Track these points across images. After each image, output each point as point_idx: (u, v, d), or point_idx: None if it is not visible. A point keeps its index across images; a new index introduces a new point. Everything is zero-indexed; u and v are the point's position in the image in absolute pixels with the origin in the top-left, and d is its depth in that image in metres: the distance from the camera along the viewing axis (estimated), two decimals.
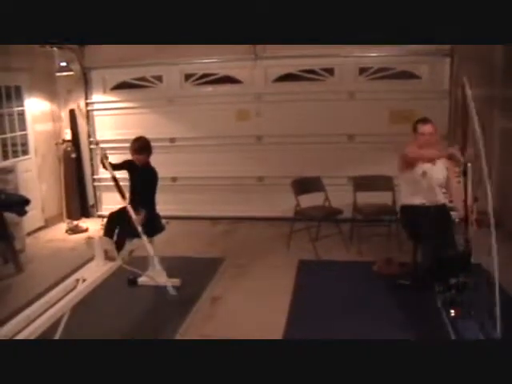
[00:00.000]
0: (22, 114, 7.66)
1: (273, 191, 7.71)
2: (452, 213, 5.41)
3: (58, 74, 7.81)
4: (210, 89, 8.01)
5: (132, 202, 4.97)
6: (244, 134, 7.87)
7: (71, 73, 7.80)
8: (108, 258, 4.59)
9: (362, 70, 7.56)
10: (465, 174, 4.46)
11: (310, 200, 6.57)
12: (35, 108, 7.85)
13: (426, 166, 4.83)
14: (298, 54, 7.31)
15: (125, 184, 5.12)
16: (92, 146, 8.42)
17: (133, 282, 5.41)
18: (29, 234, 7.22)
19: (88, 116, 8.36)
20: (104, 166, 5.03)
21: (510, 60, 6.71)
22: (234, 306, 4.96)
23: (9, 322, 3.33)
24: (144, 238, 4.90)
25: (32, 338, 3.21)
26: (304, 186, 6.62)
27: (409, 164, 4.82)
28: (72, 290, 3.98)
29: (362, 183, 6.63)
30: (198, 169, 8.06)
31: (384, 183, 6.51)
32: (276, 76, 7.78)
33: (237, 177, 7.96)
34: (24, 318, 3.40)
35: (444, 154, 4.67)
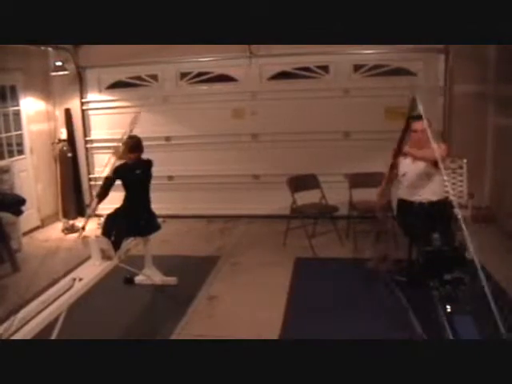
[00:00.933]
0: (17, 114, 7.65)
1: (269, 189, 7.71)
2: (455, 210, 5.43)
3: (53, 73, 7.82)
4: (205, 87, 8.01)
5: (131, 203, 4.99)
6: (239, 132, 7.87)
7: (66, 72, 7.80)
8: (105, 257, 4.59)
9: (357, 67, 7.57)
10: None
11: (306, 197, 6.58)
12: (30, 108, 7.84)
13: (406, 164, 4.83)
14: (292, 52, 7.31)
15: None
16: (88, 146, 8.41)
17: (129, 281, 5.43)
18: (25, 233, 7.22)
19: (83, 115, 8.34)
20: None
21: (504, 57, 6.73)
22: (230, 303, 4.97)
23: (6, 321, 3.33)
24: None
25: (28, 337, 3.22)
26: (300, 183, 6.63)
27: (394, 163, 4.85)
28: (68, 289, 3.98)
29: (358, 180, 6.63)
30: (194, 167, 8.07)
31: (380, 180, 6.49)
32: (271, 74, 7.78)
33: (233, 175, 7.97)
34: (21, 317, 3.40)
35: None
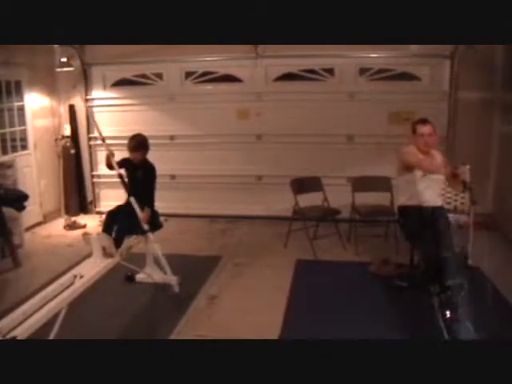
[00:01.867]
0: (21, 109, 7.65)
1: (271, 190, 7.72)
2: (450, 215, 5.44)
3: (59, 69, 7.83)
4: (210, 87, 8.01)
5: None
6: (244, 132, 7.87)
7: (71, 69, 7.82)
8: (106, 254, 4.59)
9: (363, 71, 7.57)
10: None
11: (308, 200, 6.57)
12: (35, 103, 7.85)
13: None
14: (298, 54, 7.32)
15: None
16: (92, 143, 8.42)
17: (130, 279, 5.43)
18: (27, 229, 7.23)
19: (87, 112, 8.35)
20: (110, 165, 5.01)
21: (510, 64, 6.72)
22: (230, 304, 4.96)
23: (5, 317, 3.33)
24: (150, 235, 4.97)
25: (28, 333, 3.21)
26: (303, 185, 6.62)
27: (407, 167, 4.81)
28: (69, 286, 3.98)
29: (361, 184, 6.63)
30: (197, 167, 8.07)
31: (382, 184, 6.52)
32: (276, 75, 7.78)
33: (236, 175, 7.97)
34: (21, 313, 3.40)
35: (444, 171, 4.70)
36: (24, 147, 7.74)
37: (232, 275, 5.72)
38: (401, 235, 5.52)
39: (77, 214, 8.25)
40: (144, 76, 8.18)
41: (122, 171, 5.10)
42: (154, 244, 5.06)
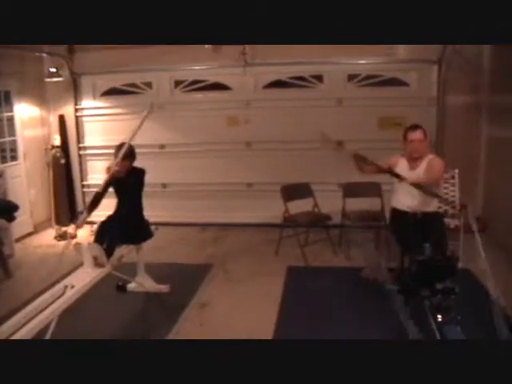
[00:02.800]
0: (11, 120, 7.65)
1: (262, 197, 7.73)
2: (446, 219, 5.48)
3: (48, 79, 7.82)
4: (199, 95, 8.03)
5: (123, 210, 4.99)
6: (233, 140, 7.89)
7: (61, 78, 7.81)
8: (97, 264, 4.58)
9: (351, 77, 7.61)
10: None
11: (298, 206, 6.59)
12: (24, 113, 7.84)
13: (405, 173, 4.83)
14: (287, 61, 7.38)
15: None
16: (82, 152, 8.40)
17: (122, 289, 5.41)
18: (17, 239, 7.21)
19: (77, 122, 8.34)
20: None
21: (497, 68, 6.79)
22: (222, 312, 4.96)
23: None
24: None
25: None
26: (293, 192, 6.64)
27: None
28: (60, 296, 3.97)
29: (351, 189, 6.65)
30: (188, 175, 8.07)
31: (373, 189, 6.54)
32: (265, 83, 7.82)
33: (226, 183, 7.98)
34: (11, 324, 3.39)
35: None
36: (14, 157, 7.73)
37: (223, 283, 5.73)
38: (392, 240, 5.54)
39: (67, 224, 8.21)
40: (133, 85, 8.19)
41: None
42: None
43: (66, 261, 4.94)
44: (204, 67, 7.78)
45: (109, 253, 4.70)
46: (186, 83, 8.03)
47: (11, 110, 7.64)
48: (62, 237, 7.57)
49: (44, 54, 7.82)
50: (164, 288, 5.32)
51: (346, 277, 5.74)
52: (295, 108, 7.67)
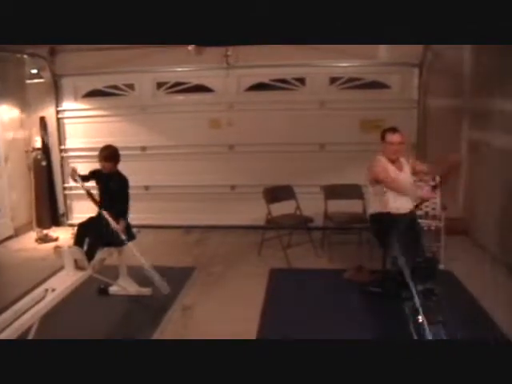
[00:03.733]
0: None
1: (245, 200, 7.72)
2: (422, 221, 5.53)
3: (29, 81, 7.76)
4: (182, 97, 8.02)
5: (103, 209, 4.96)
6: (216, 142, 7.89)
7: (42, 80, 7.76)
8: (78, 267, 4.55)
9: (333, 80, 7.65)
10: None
11: (281, 208, 6.60)
12: (5, 115, 7.76)
13: (396, 174, 4.90)
14: (269, 64, 7.40)
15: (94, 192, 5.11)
16: (63, 154, 8.34)
17: (104, 292, 5.38)
18: None
19: (58, 124, 8.28)
20: (75, 181, 4.98)
21: (478, 71, 6.86)
22: (205, 314, 4.95)
23: None
24: (129, 245, 5.01)
25: None
26: (275, 194, 6.65)
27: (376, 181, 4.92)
28: (41, 300, 3.94)
29: (333, 191, 6.68)
30: (170, 177, 8.05)
31: (355, 191, 6.57)
32: (248, 85, 7.83)
33: (209, 185, 7.97)
34: None
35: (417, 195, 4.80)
36: None
37: (206, 285, 5.71)
38: (374, 242, 5.57)
39: (49, 226, 8.15)
40: (115, 87, 8.14)
41: (90, 184, 5.07)
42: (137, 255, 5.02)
43: (47, 264, 4.90)
44: (187, 69, 7.78)
45: (90, 256, 4.67)
46: (168, 85, 8.00)
47: None
48: (43, 240, 7.51)
49: (25, 56, 7.76)
50: (146, 291, 5.30)
51: (329, 279, 5.76)
52: (277, 110, 7.69)
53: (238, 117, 7.82)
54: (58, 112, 8.27)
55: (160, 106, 8.01)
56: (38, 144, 8.24)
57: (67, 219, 8.47)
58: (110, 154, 5.03)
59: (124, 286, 5.32)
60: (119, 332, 4.59)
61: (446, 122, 7.30)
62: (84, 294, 4.97)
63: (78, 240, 4.78)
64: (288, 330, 4.45)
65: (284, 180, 6.98)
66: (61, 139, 8.33)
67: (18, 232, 7.92)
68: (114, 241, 4.96)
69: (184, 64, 7.66)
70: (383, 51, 7.26)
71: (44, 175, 8.26)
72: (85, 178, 5.04)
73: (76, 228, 5.04)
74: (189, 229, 7.93)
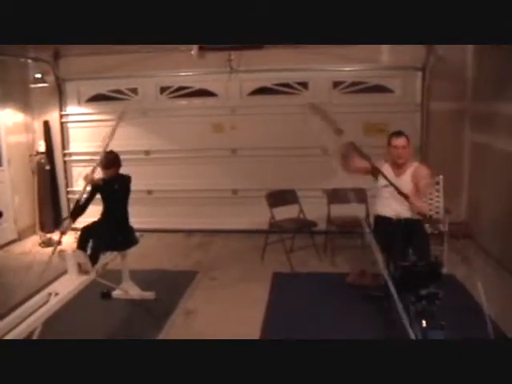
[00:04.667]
0: None
1: (247, 204, 7.73)
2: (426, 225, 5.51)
3: (33, 85, 7.79)
4: (185, 102, 8.04)
5: (108, 218, 4.97)
6: (219, 146, 7.90)
7: (46, 84, 7.78)
8: (82, 271, 4.56)
9: (336, 84, 7.66)
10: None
11: (284, 212, 6.60)
12: (9, 119, 7.78)
13: (390, 178, 4.86)
14: (272, 68, 7.41)
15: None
16: (66, 158, 8.36)
17: (107, 296, 5.38)
18: (1, 246, 7.15)
19: (62, 128, 8.30)
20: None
21: (481, 75, 6.86)
22: (207, 318, 4.95)
23: None
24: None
25: None
26: (278, 198, 6.65)
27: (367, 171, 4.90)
28: (44, 304, 3.94)
29: (336, 195, 6.66)
30: (173, 181, 8.06)
31: (358, 195, 6.54)
32: (251, 89, 7.84)
33: (211, 189, 7.98)
34: None
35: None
36: None
37: (209, 289, 5.71)
38: (376, 246, 5.55)
39: (52, 230, 8.16)
40: (119, 91, 8.16)
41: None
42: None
43: (50, 268, 4.90)
44: (190, 73, 7.79)
45: (93, 260, 4.67)
46: (171, 89, 8.02)
47: None
48: (46, 243, 7.52)
49: (29, 60, 7.79)
50: (149, 295, 5.30)
51: (332, 283, 5.75)
52: (280, 114, 7.69)
53: (240, 121, 7.83)
54: (61, 116, 8.29)
55: (163, 110, 8.02)
56: (42, 148, 8.25)
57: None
58: (111, 161, 5.04)
59: (127, 290, 5.32)
60: (122, 336, 4.59)
61: (449, 125, 7.30)
62: (87, 298, 4.97)
63: (82, 244, 4.79)
64: (291, 334, 4.45)
65: (287, 184, 6.97)
66: (64, 143, 8.35)
67: (21, 236, 7.93)
68: (117, 245, 4.97)
69: (187, 68, 7.67)
70: (386, 55, 7.27)
71: (47, 179, 8.26)
72: (91, 196, 5.01)
73: (79, 232, 5.05)
74: (191, 233, 7.94)
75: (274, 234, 6.57)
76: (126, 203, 5.14)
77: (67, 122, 8.33)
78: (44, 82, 7.74)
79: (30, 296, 4.34)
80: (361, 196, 6.51)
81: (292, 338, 4.07)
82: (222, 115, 7.87)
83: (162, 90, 8.07)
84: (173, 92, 8.03)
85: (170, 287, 5.66)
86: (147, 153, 8.10)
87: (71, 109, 8.32)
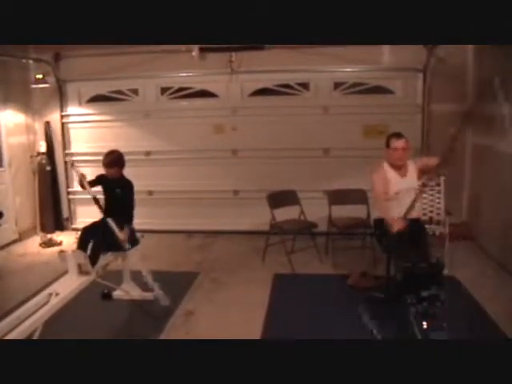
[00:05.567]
0: None
1: (248, 205, 7.74)
2: (427, 226, 5.50)
3: (34, 86, 7.79)
4: (185, 103, 8.03)
5: (108, 215, 4.94)
6: (220, 147, 7.89)
7: (47, 85, 7.79)
8: (82, 272, 4.54)
9: (337, 85, 7.66)
10: None
11: (285, 213, 6.59)
12: (10, 120, 7.78)
13: (397, 181, 4.87)
14: (273, 69, 7.41)
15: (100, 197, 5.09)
16: (67, 159, 8.36)
17: (107, 297, 5.37)
18: (2, 247, 7.15)
19: (63, 128, 8.31)
20: (83, 187, 4.95)
21: (482, 77, 6.85)
22: (208, 320, 4.94)
23: None
24: (133, 252, 5.01)
25: None
26: (279, 199, 6.64)
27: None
28: (44, 304, 3.93)
29: (337, 196, 6.67)
30: (174, 182, 8.06)
31: (359, 196, 6.56)
32: (252, 90, 7.83)
33: (212, 190, 7.98)
34: None
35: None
36: None
37: (209, 291, 5.70)
38: (378, 247, 5.56)
39: (53, 231, 8.16)
40: (119, 92, 8.16)
41: (98, 189, 5.06)
42: (139, 262, 5.03)
43: (50, 268, 4.90)
44: (190, 74, 7.79)
45: (94, 260, 4.66)
46: (172, 90, 8.02)
47: None
48: (47, 244, 7.52)
49: (30, 61, 7.80)
50: (150, 296, 5.29)
51: (333, 284, 5.74)
52: (281, 115, 7.70)
53: (241, 122, 7.83)
54: (62, 117, 8.29)
55: (164, 111, 8.02)
56: (43, 149, 8.27)
57: (71, 223, 8.49)
58: (114, 159, 5.00)
59: (127, 291, 5.32)
60: (122, 337, 4.58)
61: (450, 127, 7.28)
62: (88, 299, 4.96)
63: (82, 244, 4.77)
64: (291, 335, 4.45)
65: (288, 185, 6.96)
66: (65, 144, 8.35)
67: (22, 236, 7.93)
68: (117, 246, 4.95)
69: (188, 69, 7.68)
70: (387, 56, 7.28)
71: (48, 180, 8.27)
72: (92, 184, 5.02)
73: (80, 232, 5.04)
74: (192, 234, 7.94)
75: (275, 235, 6.56)
76: (126, 206, 5.10)
77: (68, 122, 8.33)
78: (45, 83, 7.76)
79: (31, 296, 4.33)
80: (362, 197, 6.52)
81: (292, 339, 4.06)
82: (223, 116, 7.87)
83: (163, 90, 8.06)
84: (173, 93, 8.03)
85: (171, 288, 5.63)
86: (148, 154, 8.10)
87: (72, 109, 8.32)
